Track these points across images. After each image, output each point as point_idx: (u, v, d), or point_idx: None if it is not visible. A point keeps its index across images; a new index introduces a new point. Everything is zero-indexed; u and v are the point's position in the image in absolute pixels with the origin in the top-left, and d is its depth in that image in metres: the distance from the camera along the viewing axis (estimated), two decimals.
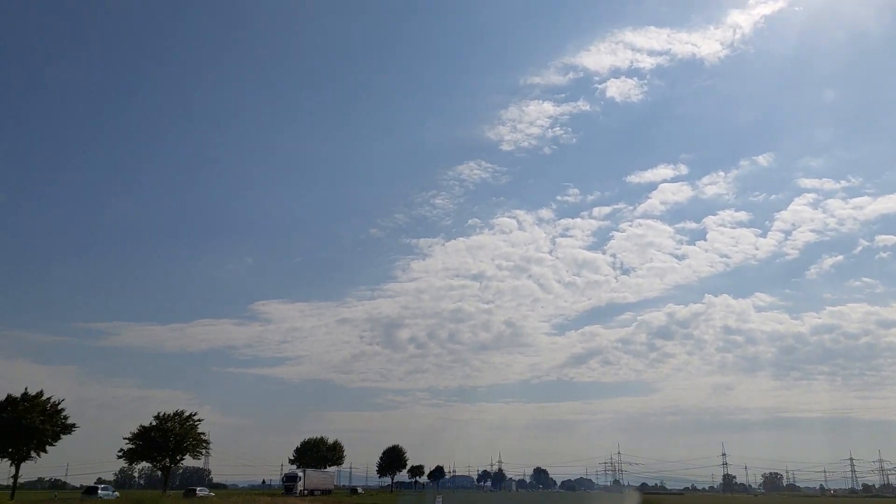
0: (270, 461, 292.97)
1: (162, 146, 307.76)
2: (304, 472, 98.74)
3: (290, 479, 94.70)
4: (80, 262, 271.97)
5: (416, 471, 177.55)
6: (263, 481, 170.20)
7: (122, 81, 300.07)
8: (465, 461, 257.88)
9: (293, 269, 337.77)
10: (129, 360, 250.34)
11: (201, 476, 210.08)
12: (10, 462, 63.99)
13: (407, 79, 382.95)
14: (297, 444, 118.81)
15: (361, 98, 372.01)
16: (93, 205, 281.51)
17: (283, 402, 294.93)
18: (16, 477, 67.01)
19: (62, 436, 66.99)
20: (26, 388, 65.82)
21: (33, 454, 65.02)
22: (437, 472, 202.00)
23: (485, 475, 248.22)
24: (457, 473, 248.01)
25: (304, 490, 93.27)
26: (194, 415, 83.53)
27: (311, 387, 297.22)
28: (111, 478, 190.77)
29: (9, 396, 64.44)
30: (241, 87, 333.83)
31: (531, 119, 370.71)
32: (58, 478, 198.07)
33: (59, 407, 67.00)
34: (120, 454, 78.83)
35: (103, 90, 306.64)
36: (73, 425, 67.73)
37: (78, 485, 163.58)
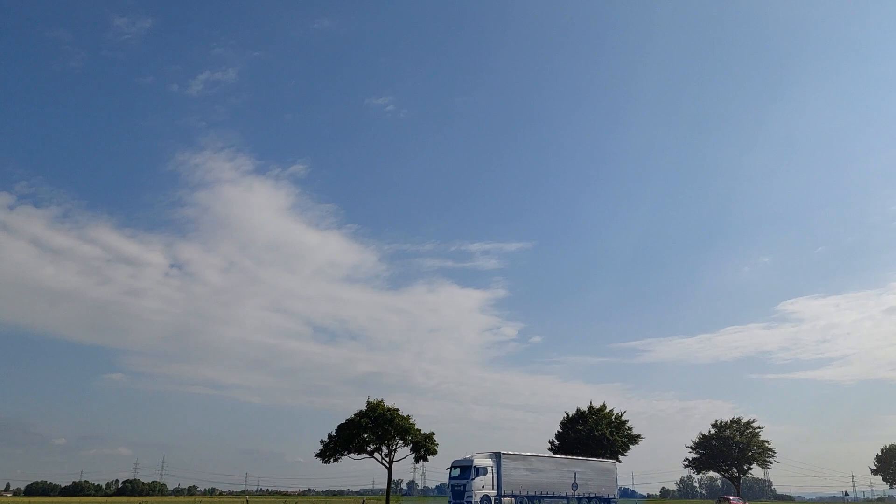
0: (838, 471, 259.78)
1: (659, 153, 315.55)
2: None
3: None
4: (607, 288, 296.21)
5: None
6: (846, 493, 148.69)
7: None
8: None
9: (817, 261, 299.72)
10: (666, 374, 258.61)
11: (763, 487, 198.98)
12: None
13: None
14: (873, 451, 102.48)
15: None
16: (606, 233, 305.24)
17: (836, 406, 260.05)
18: None
19: (630, 446, 69.55)
20: (591, 402, 70.76)
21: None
22: None
23: None
24: None
25: None
26: (752, 422, 77.96)
27: (863, 388, 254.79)
28: (673, 487, 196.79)
29: (578, 410, 70.16)
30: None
31: None
32: (626, 486, 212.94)
33: (623, 418, 69.87)
34: (686, 463, 78.19)
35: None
36: (639, 436, 69.66)
37: (645, 493, 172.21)
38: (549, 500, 49.40)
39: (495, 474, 45.84)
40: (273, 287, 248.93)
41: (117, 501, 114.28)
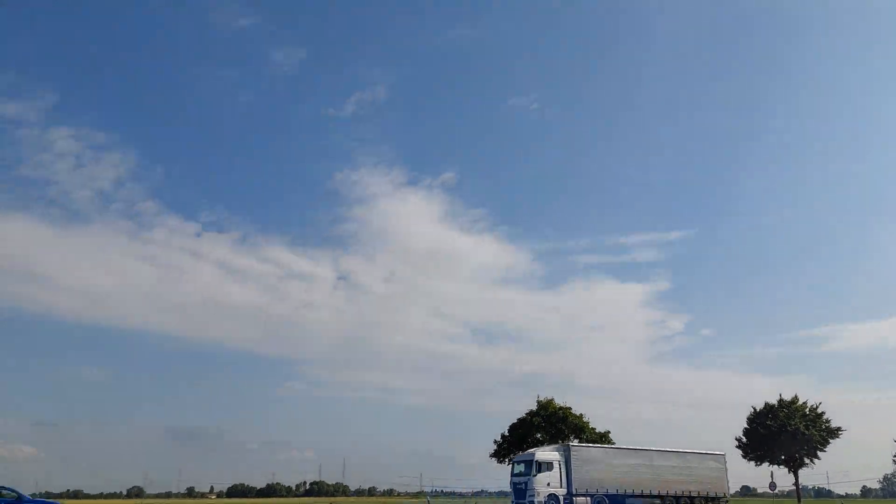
0: None
1: None
2: None
3: None
4: (782, 271, 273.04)
5: None
6: None
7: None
8: None
9: None
10: (859, 362, 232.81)
11: None
12: (787, 469, 63.71)
13: None
14: None
15: None
16: (772, 211, 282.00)
17: None
18: (797, 484, 66.59)
19: (830, 440, 63.20)
20: (780, 395, 65.21)
21: (807, 461, 63.27)
22: None
23: None
24: None
25: None
26: None
27: None
28: (875, 486, 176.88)
29: (767, 404, 64.90)
30: None
31: None
32: (821, 486, 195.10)
33: (819, 411, 63.70)
34: None
35: None
36: (839, 429, 63.12)
37: (843, 493, 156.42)
38: (636, 500, 42.89)
39: (564, 470, 40.82)
40: (432, 293, 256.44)
41: (308, 502, 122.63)
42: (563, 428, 60.00)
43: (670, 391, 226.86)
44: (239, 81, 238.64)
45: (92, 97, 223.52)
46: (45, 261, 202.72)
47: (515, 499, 40.79)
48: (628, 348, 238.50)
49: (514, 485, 41.60)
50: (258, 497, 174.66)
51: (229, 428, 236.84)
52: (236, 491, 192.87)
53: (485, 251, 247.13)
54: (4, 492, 30.96)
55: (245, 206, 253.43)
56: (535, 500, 39.18)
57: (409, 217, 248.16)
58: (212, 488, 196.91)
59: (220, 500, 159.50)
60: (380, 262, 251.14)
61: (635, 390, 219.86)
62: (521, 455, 43.45)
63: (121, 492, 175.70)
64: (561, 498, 40.11)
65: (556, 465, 40.90)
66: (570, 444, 43.07)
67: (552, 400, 62.34)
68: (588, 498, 41.00)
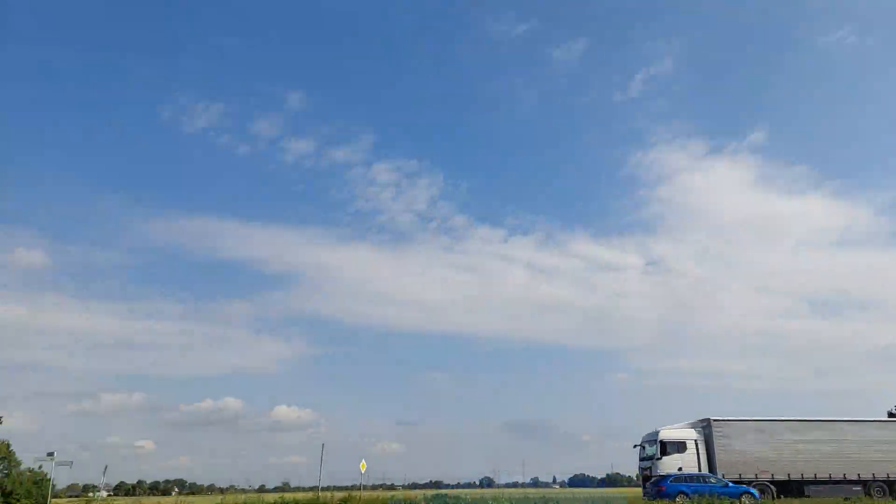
0: None
1: None
2: None
3: None
4: None
5: None
6: None
7: None
8: None
9: None
10: None
11: None
12: None
13: None
14: None
15: None
16: None
17: None
18: None
19: None
20: None
21: None
22: None
23: None
24: None
25: None
26: None
27: None
28: None
29: None
30: None
31: None
32: None
33: None
34: None
35: None
36: None
37: None
38: (821, 487, 33.16)
39: (702, 451, 33.67)
40: (753, 266, 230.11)
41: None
42: None
43: None
44: (522, 86, 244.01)
45: (401, 132, 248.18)
46: (384, 281, 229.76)
47: (644, 487, 34.39)
48: None
49: (641, 471, 35.80)
50: (598, 487, 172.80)
51: (562, 420, 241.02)
52: (576, 481, 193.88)
53: (812, 212, 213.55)
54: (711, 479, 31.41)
55: (545, 205, 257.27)
56: None
57: (717, 188, 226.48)
58: (554, 479, 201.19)
59: (561, 490, 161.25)
60: (690, 242, 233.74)
61: None
62: (647, 434, 35.99)
63: (474, 482, 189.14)
64: None
65: (690, 444, 34.17)
66: (712, 417, 34.69)
67: None
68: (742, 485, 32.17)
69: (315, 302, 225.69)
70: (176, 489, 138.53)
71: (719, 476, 32.75)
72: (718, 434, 34.31)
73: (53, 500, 58.59)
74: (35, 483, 67.83)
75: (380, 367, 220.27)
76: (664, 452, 34.18)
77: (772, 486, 33.53)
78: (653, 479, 33.45)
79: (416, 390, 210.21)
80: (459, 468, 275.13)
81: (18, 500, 57.43)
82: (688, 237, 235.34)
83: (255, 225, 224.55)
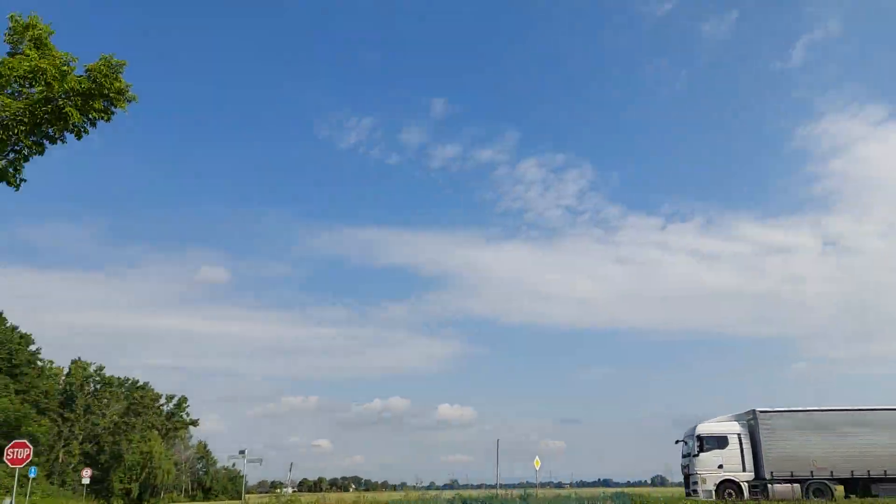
0: None
1: None
2: None
3: None
4: None
5: None
6: None
7: None
8: None
9: None
10: None
11: None
12: None
13: None
14: None
15: None
16: None
17: None
18: None
19: None
20: None
21: None
22: None
23: None
24: None
25: None
26: None
27: None
28: None
29: None
30: None
31: None
32: None
33: None
34: None
35: None
36: None
37: None
38: (890, 485, 28.94)
39: (746, 447, 30.46)
40: None
41: None
42: None
43: None
44: (671, 66, 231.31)
45: (545, 127, 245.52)
46: (536, 278, 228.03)
47: (685, 487, 32.44)
48: None
49: (682, 469, 32.84)
50: None
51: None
52: None
53: None
54: None
55: (703, 189, 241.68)
56: (700, 488, 30.16)
57: None
58: None
59: None
60: (872, 217, 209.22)
61: None
62: (689, 429, 32.62)
63: (645, 480, 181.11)
64: (744, 486, 30.12)
65: (732, 439, 30.92)
66: (759, 409, 30.98)
67: None
68: (796, 485, 29.48)
69: (469, 302, 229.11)
70: (353, 486, 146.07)
71: (767, 475, 30.00)
72: (765, 427, 30.57)
73: (246, 495, 63.43)
74: (230, 479, 73.87)
75: (536, 364, 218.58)
76: (701, 449, 31.04)
77: (830, 486, 29.77)
78: (690, 477, 31.54)
79: (575, 387, 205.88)
80: (627, 466, 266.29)
81: (217, 496, 62.71)
82: (870, 212, 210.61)
83: (409, 231, 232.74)
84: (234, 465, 59.98)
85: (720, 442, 31.06)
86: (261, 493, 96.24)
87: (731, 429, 31.41)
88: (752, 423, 31.48)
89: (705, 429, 31.55)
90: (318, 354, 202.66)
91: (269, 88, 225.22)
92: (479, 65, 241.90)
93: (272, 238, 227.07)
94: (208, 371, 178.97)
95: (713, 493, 29.99)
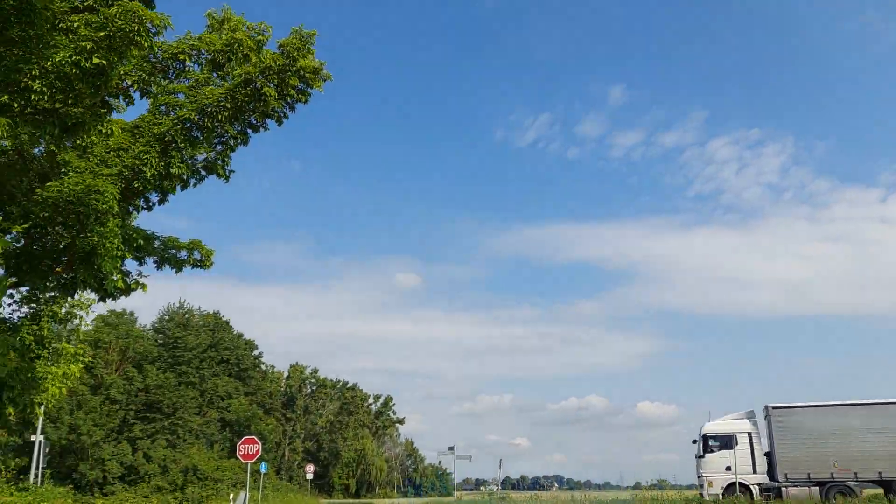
0: None
1: None
2: None
3: None
4: None
5: None
6: None
7: None
8: None
9: None
10: None
11: None
12: None
13: None
14: None
15: None
16: None
17: None
18: None
19: None
20: None
21: None
22: None
23: None
24: None
25: None
26: None
27: None
28: None
29: None
30: None
31: None
32: None
33: None
34: None
35: None
36: None
37: None
38: None
39: (758, 446, 27.78)
40: None
41: None
42: None
43: None
44: (877, 22, 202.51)
45: (735, 102, 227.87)
46: (734, 264, 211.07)
47: (699, 488, 29.98)
48: None
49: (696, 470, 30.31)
50: None
51: None
52: None
53: None
54: None
55: None
56: (705, 492, 27.98)
57: None
58: None
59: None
60: None
61: None
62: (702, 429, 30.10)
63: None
64: (755, 488, 27.38)
65: (742, 438, 28.15)
66: (772, 405, 27.93)
67: None
68: (815, 487, 26.32)
69: (661, 294, 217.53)
70: (555, 484, 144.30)
71: (781, 477, 27.40)
72: (779, 425, 28.04)
73: (455, 492, 64.15)
74: (437, 476, 75.26)
75: (740, 355, 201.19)
76: (707, 449, 28.96)
77: (853, 488, 26.61)
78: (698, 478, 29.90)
79: (785, 379, 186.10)
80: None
81: (427, 492, 63.91)
82: None
83: (592, 224, 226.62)
84: (440, 462, 60.98)
85: (728, 441, 28.98)
86: (466, 490, 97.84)
87: (740, 427, 29.31)
88: (765, 420, 29.35)
89: (711, 428, 29.69)
90: (510, 353, 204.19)
91: (447, 94, 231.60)
92: (655, 45, 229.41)
93: (458, 242, 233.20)
94: (408, 372, 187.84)
95: (720, 496, 28.00)
